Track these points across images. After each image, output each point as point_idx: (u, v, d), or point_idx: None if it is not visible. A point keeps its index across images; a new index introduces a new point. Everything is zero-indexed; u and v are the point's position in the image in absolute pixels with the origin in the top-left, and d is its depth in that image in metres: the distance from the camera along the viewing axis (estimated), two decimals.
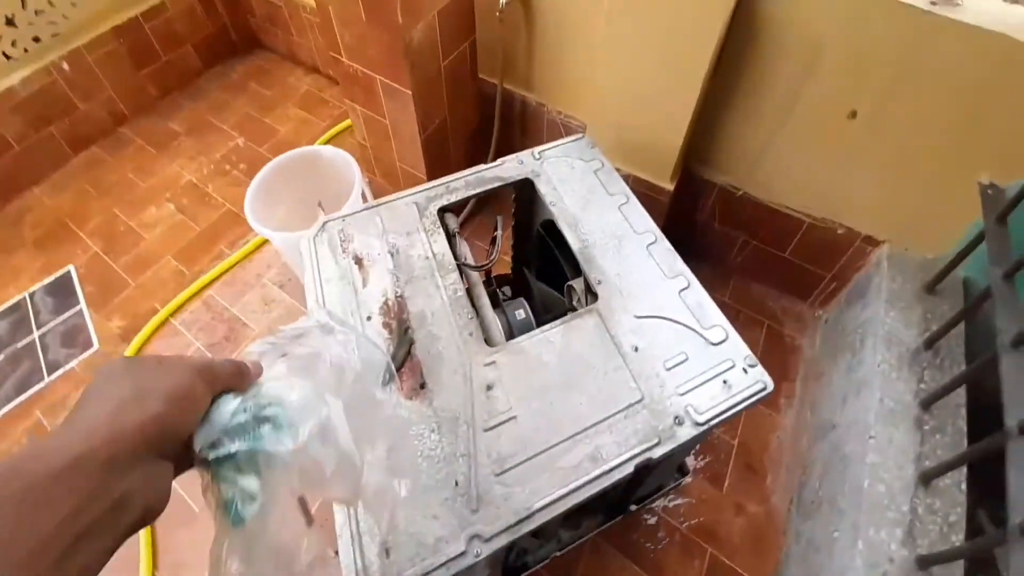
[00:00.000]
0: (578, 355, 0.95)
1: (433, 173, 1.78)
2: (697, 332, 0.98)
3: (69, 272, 2.09)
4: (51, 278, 2.09)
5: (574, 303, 1.15)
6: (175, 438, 0.34)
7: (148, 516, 0.32)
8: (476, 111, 1.87)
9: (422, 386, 0.90)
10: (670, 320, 0.99)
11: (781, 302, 1.80)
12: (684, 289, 1.03)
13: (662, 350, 0.96)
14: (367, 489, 0.46)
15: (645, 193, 1.57)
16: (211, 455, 0.37)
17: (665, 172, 1.52)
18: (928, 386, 1.13)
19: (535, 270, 1.43)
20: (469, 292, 1.09)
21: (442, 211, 1.17)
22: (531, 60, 1.70)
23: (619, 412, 0.89)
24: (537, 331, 0.98)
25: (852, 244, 1.46)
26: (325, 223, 1.14)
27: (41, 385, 1.82)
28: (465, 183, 1.20)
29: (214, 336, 1.91)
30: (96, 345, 1.90)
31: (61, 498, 0.27)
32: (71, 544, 0.27)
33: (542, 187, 1.18)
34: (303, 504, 0.44)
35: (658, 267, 1.06)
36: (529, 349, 0.96)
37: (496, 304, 1.23)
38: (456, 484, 0.81)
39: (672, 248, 1.08)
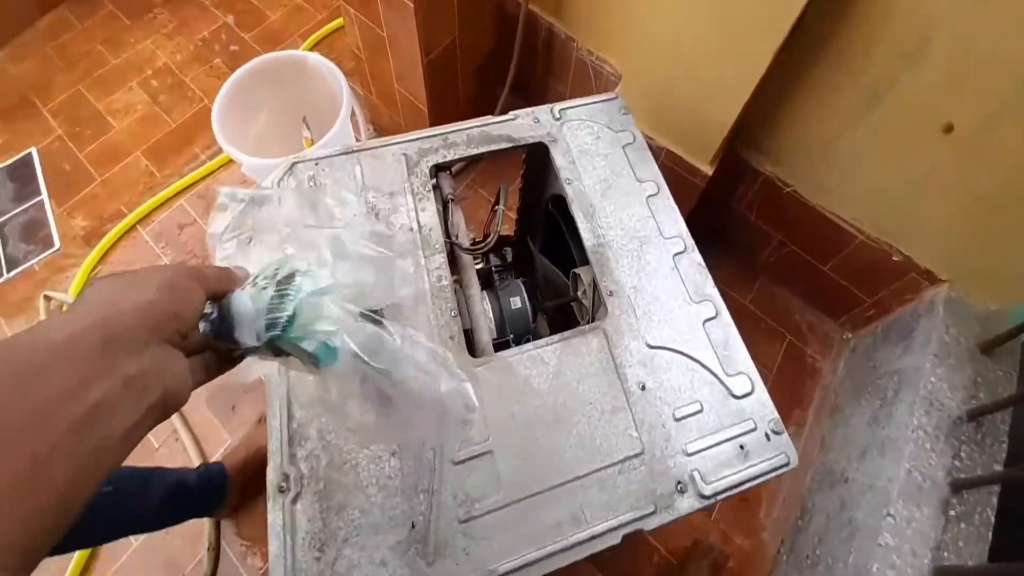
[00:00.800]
0: (574, 384, 0.78)
1: (436, 106, 1.54)
2: (718, 378, 0.81)
3: (31, 155, 1.91)
4: (12, 160, 1.91)
5: (579, 294, 0.98)
6: (173, 326, 0.34)
7: (171, 401, 0.33)
8: (493, 35, 1.59)
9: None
10: (688, 357, 0.82)
11: (807, 316, 1.63)
12: (710, 320, 0.85)
13: (674, 394, 0.79)
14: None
15: (677, 172, 1.36)
16: (273, 334, 0.38)
17: (706, 153, 1.29)
18: (964, 464, 0.99)
19: (540, 243, 1.24)
20: (457, 281, 0.91)
21: (437, 169, 0.96)
22: None
23: (614, 465, 0.74)
24: (530, 346, 0.81)
25: (906, 275, 1.28)
26: (294, 164, 0.93)
27: (0, 280, 1.70)
28: (467, 137, 0.98)
29: (182, 254, 1.74)
30: (57, 245, 1.75)
31: (61, 370, 0.27)
32: (84, 416, 0.27)
33: (558, 157, 0.97)
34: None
35: (683, 285, 0.87)
36: (518, 367, 0.79)
37: (490, 285, 1.04)
38: (412, 527, 0.68)
39: (703, 263, 0.89)
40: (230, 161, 1.87)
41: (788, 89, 1.20)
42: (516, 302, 1.03)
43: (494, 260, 1.38)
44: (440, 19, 1.33)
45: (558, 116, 1.01)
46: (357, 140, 1.75)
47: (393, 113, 1.73)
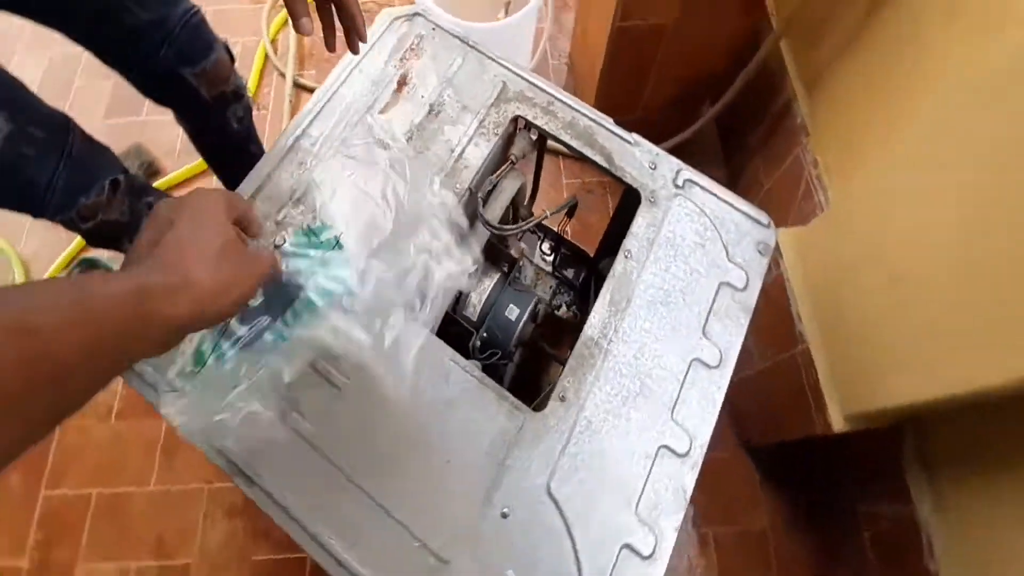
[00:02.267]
0: (443, 429, 0.64)
1: (609, 86, 1.34)
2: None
3: None
4: None
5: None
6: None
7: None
8: (723, 54, 1.32)
9: None
10: (569, 532, 0.62)
11: None
12: (634, 551, 0.61)
13: (520, 549, 0.60)
14: None
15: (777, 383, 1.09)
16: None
17: (847, 403, 0.98)
18: None
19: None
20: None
21: (517, 121, 0.79)
22: (839, 40, 1.11)
23: (417, 540, 0.60)
24: (455, 355, 0.67)
25: None
26: (415, 15, 0.85)
27: None
28: (572, 120, 0.79)
29: None
30: None
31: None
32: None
33: (641, 220, 0.76)
34: None
35: (644, 491, 0.62)
36: (419, 358, 0.63)
37: (509, 276, 0.86)
38: None
39: (689, 496, 0.63)
40: None
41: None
42: (512, 312, 0.84)
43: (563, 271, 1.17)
44: None
45: (679, 184, 0.78)
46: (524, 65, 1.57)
47: (576, 62, 1.54)
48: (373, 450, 0.62)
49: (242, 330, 0.56)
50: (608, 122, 0.79)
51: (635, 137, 0.80)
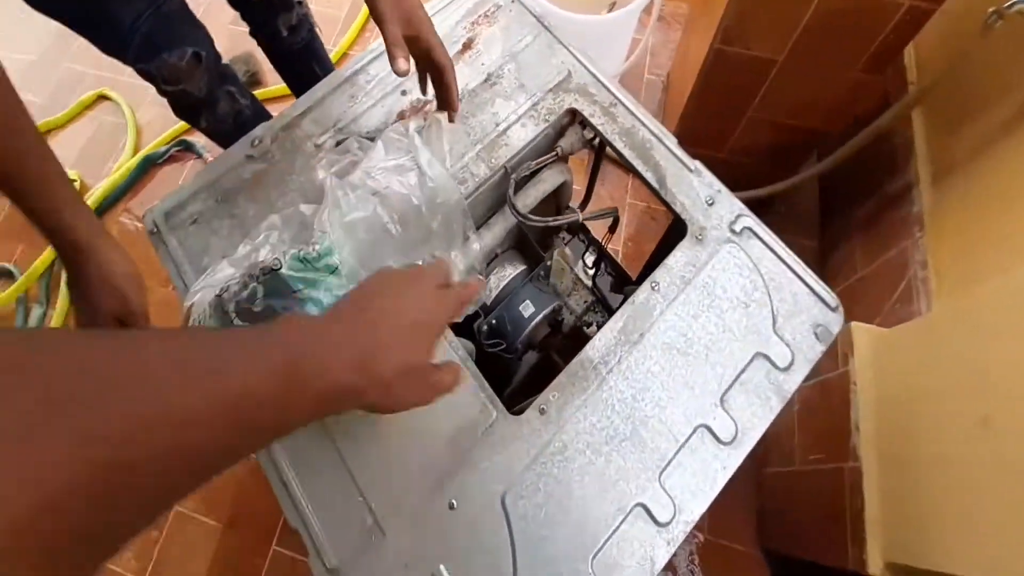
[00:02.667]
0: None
1: (693, 116, 1.22)
2: None
3: None
4: None
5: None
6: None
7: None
8: (834, 103, 1.15)
9: None
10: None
11: None
12: None
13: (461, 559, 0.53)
14: None
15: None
16: None
17: (898, 553, 0.81)
18: None
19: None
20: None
21: (574, 115, 0.73)
22: (991, 129, 0.94)
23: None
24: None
25: None
26: None
27: None
28: (631, 127, 0.71)
29: None
30: None
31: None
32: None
33: (682, 255, 0.66)
34: None
35: (613, 544, 0.55)
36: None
37: (534, 272, 0.79)
38: None
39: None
40: None
41: None
42: (527, 309, 0.75)
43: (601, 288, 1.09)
44: (764, 17, 0.97)
45: (736, 229, 0.67)
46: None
47: (672, 82, 1.45)
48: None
49: None
50: (671, 141, 0.70)
51: (697, 165, 0.70)
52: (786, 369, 0.63)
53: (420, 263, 0.61)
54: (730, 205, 0.69)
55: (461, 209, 0.62)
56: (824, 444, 0.99)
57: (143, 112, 1.78)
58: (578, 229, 0.92)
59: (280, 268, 0.56)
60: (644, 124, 0.70)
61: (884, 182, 1.17)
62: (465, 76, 0.75)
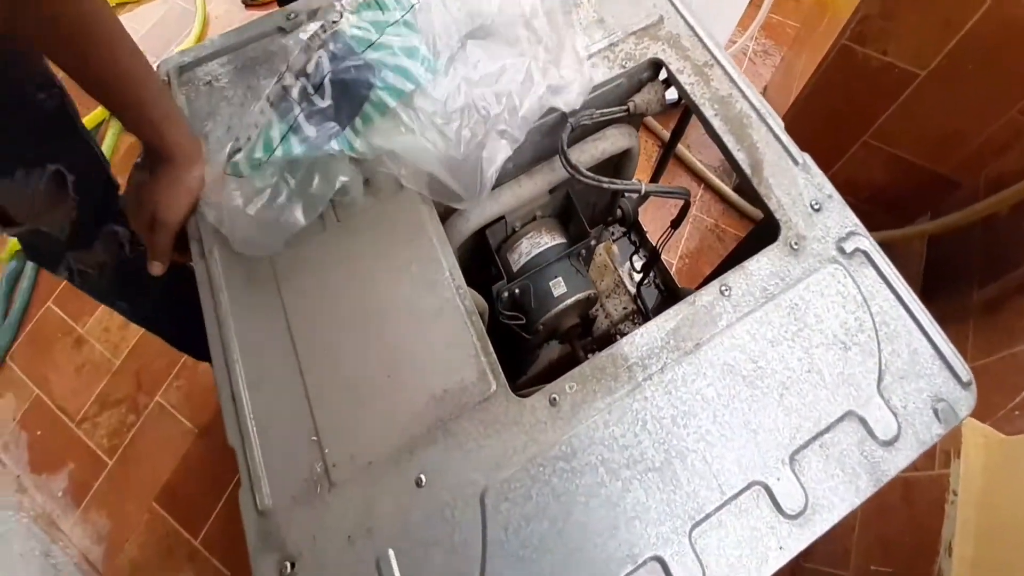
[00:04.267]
0: (406, 345, 0.51)
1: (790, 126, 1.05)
2: None
3: None
4: None
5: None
6: None
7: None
8: (983, 140, 0.95)
9: None
10: None
11: None
12: None
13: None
14: None
15: None
16: None
17: None
18: None
19: None
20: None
21: (658, 71, 0.61)
22: None
23: None
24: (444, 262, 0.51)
25: None
26: None
27: None
28: (724, 99, 0.57)
29: None
30: None
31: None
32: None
33: (764, 268, 0.51)
34: None
35: None
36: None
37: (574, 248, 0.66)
38: None
39: None
40: None
41: None
42: (558, 287, 0.63)
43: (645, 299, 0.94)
44: (916, 12, 0.79)
45: (847, 249, 0.52)
46: None
47: (770, 90, 1.29)
48: (330, 311, 0.52)
49: (311, 131, 0.50)
50: (776, 123, 0.56)
51: (806, 159, 0.55)
52: (888, 444, 0.47)
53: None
54: (842, 217, 0.54)
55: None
56: (897, 557, 0.80)
57: (214, 6, 1.82)
58: (631, 227, 0.78)
59: (339, 21, 0.49)
60: (744, 94, 0.57)
61: (1021, 261, 0.97)
62: None
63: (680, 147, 1.35)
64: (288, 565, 0.43)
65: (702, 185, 1.40)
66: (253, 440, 0.47)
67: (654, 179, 0.78)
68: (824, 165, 0.99)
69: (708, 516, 0.45)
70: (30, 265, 1.41)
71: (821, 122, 1.02)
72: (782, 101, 1.10)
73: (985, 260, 1.05)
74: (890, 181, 1.04)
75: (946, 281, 1.16)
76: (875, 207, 1.09)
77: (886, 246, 1.07)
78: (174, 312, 0.87)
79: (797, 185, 0.54)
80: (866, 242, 0.54)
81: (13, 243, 1.41)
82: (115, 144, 1.55)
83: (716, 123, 0.55)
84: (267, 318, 0.51)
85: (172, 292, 0.76)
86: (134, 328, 1.30)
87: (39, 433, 1.25)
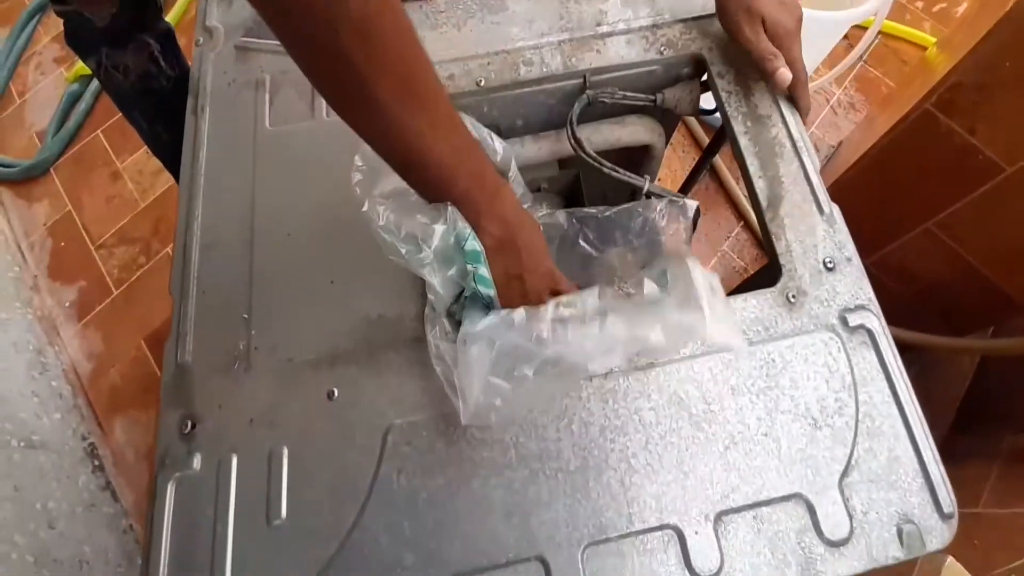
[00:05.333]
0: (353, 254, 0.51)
1: (843, 196, 0.96)
2: None
3: None
4: None
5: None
6: None
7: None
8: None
9: None
10: None
11: None
12: None
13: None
14: None
15: None
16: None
17: None
18: None
19: None
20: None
21: (698, 69, 0.55)
22: None
23: None
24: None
25: None
26: None
27: None
28: (760, 118, 0.52)
29: None
30: None
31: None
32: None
33: (752, 310, 0.45)
34: None
35: None
36: None
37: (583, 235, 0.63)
38: None
39: None
40: None
41: None
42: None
43: None
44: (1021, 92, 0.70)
45: (850, 323, 0.47)
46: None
47: (842, 148, 1.20)
48: (294, 201, 0.53)
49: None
50: (812, 162, 0.50)
51: (834, 211, 0.50)
52: (833, 545, 0.42)
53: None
54: (856, 286, 0.48)
55: None
56: None
57: None
58: None
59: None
60: (786, 120, 0.51)
61: None
62: None
63: (729, 177, 1.28)
64: (189, 423, 0.44)
65: (741, 223, 1.32)
66: (191, 296, 0.49)
67: (683, 191, 0.73)
68: (875, 242, 0.91)
69: (608, 540, 0.41)
70: (89, 91, 1.49)
71: (883, 191, 0.92)
72: (852, 160, 1.02)
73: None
74: (949, 281, 0.93)
75: (986, 413, 1.05)
76: (926, 305, 0.98)
77: (930, 354, 0.97)
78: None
79: (815, 235, 0.48)
80: (875, 322, 0.47)
81: (79, 67, 1.50)
82: None
83: (744, 141, 0.50)
84: (236, 188, 0.52)
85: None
86: (164, 177, 1.38)
87: (63, 244, 1.36)
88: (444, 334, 0.43)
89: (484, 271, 0.42)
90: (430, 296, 0.43)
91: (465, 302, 0.44)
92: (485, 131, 0.47)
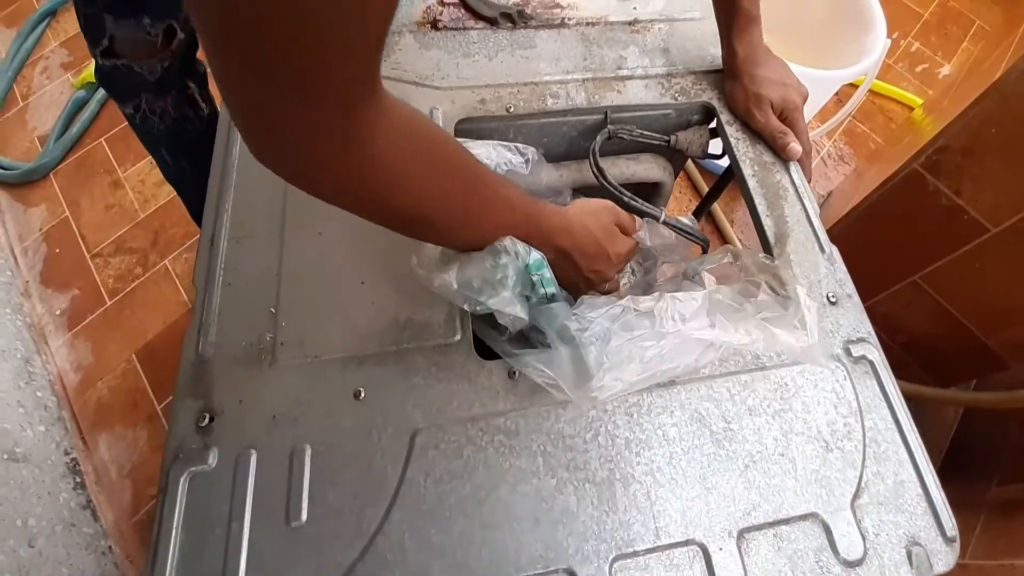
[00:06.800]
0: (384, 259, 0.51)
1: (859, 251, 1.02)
2: None
3: None
4: None
5: None
6: None
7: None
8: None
9: None
10: None
11: None
12: None
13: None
14: None
15: None
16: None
17: None
18: None
19: None
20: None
21: (709, 117, 0.61)
22: None
23: None
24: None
25: None
26: None
27: None
28: (765, 164, 0.57)
29: None
30: None
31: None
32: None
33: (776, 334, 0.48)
34: None
35: None
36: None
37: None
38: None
39: None
40: None
41: None
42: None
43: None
44: (1005, 158, 0.76)
45: (853, 354, 0.51)
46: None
47: (833, 198, 1.27)
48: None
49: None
50: (812, 206, 0.55)
51: (834, 252, 0.54)
52: (850, 564, 0.44)
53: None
54: (857, 320, 0.52)
55: None
56: None
57: None
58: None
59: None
60: (789, 171, 0.56)
61: None
62: (609, 5, 0.67)
63: (726, 224, 1.34)
64: (207, 416, 0.43)
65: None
66: (216, 287, 0.49)
67: (697, 209, 0.77)
68: (863, 292, 0.96)
69: (636, 554, 0.41)
70: (96, 98, 1.50)
71: (872, 243, 0.99)
72: (842, 211, 1.08)
73: (1013, 456, 0.99)
74: (933, 334, 0.97)
75: (970, 464, 1.08)
76: (911, 356, 1.02)
77: (915, 404, 1.00)
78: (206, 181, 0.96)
79: (818, 271, 0.53)
80: (876, 354, 0.51)
81: (87, 74, 1.51)
82: None
83: (751, 183, 0.55)
84: (268, 185, 0.53)
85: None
86: (166, 189, 1.38)
87: (58, 251, 1.34)
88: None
89: (548, 272, 0.44)
90: (502, 322, 0.44)
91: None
92: (512, 147, 0.51)
